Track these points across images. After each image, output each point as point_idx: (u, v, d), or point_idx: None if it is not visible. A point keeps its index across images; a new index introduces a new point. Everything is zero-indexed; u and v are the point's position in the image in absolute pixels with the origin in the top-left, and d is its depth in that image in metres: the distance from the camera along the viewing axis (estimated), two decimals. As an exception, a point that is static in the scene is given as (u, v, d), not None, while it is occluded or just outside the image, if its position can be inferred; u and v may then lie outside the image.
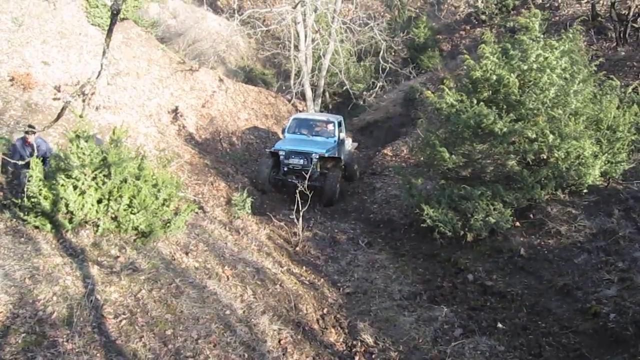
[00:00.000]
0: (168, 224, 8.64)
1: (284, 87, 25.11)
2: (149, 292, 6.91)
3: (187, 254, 8.63)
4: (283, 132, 17.40)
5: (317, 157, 15.61)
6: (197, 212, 9.76)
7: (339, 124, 17.48)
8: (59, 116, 7.27)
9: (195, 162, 15.12)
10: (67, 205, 7.75)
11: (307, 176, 13.66)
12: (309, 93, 22.14)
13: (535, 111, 10.07)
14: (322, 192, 15.34)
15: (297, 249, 11.22)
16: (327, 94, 25.80)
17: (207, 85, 19.80)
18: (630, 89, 11.25)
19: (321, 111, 23.46)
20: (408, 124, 20.50)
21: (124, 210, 8.10)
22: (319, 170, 15.76)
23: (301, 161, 15.53)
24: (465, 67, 11.28)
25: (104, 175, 8.06)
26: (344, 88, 24.01)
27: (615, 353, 6.60)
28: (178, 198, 9.09)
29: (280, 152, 15.70)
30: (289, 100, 23.07)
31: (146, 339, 6.07)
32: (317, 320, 8.64)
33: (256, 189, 15.26)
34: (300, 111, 22.81)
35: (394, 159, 18.05)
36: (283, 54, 25.43)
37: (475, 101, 10.36)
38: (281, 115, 21.69)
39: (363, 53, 27.22)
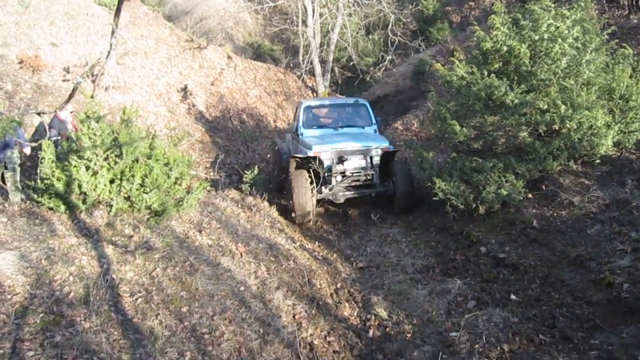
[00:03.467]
0: (180, 203, 8.68)
1: (291, 64, 24.98)
2: (163, 270, 6.97)
3: (200, 231, 8.67)
4: (294, 130, 13.25)
5: (380, 153, 11.93)
6: (209, 190, 9.80)
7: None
8: (70, 97, 7.30)
9: (206, 140, 15.17)
10: (80, 186, 7.81)
11: (368, 182, 11.75)
12: (317, 69, 22.02)
13: (546, 82, 9.98)
14: (395, 197, 11.86)
15: (310, 224, 11.28)
16: (335, 70, 25.65)
17: (215, 62, 19.75)
18: (643, 57, 11.13)
19: (330, 86, 23.30)
20: (418, 97, 20.39)
21: (137, 189, 8.14)
22: (377, 172, 12.09)
23: (362, 162, 11.75)
24: (475, 39, 11.17)
25: (116, 156, 8.09)
26: (353, 63, 23.85)
27: (629, 323, 6.60)
28: (190, 176, 9.12)
29: (324, 156, 11.72)
30: (299, 77, 22.96)
31: (162, 316, 6.12)
32: (331, 294, 8.68)
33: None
34: (310, 87, 22.65)
35: (404, 132, 18.01)
36: (291, 30, 25.29)
37: (485, 73, 10.28)
38: (291, 91, 21.62)
39: (371, 26, 27.01)
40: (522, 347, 6.46)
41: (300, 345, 6.00)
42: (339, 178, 11.77)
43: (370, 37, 27.06)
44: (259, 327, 6.72)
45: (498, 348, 6.42)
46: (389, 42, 23.75)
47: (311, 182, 11.56)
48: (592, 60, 10.00)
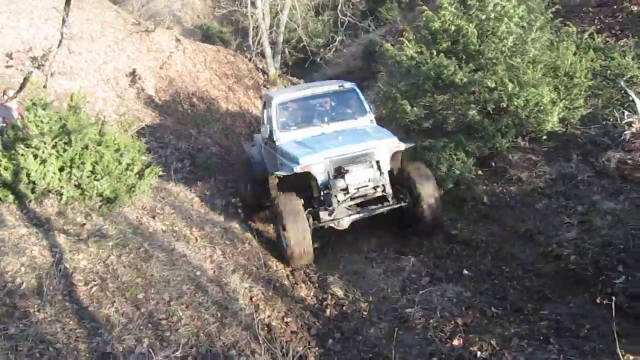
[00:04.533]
0: (133, 189, 8.58)
1: (241, 46, 24.74)
2: (118, 258, 6.90)
3: (154, 217, 8.61)
4: (268, 136, 10.26)
5: (389, 154, 9.18)
6: (161, 175, 9.71)
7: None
8: (22, 87, 7.12)
9: (157, 124, 14.96)
10: (28, 175, 7.64)
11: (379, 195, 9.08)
12: (268, 50, 21.87)
13: (494, 60, 10.17)
14: (419, 211, 8.95)
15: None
16: (286, 51, 25.53)
17: (164, 46, 19.44)
18: (586, 35, 11.36)
19: (281, 68, 23.18)
20: (369, 77, 20.46)
21: (87, 177, 8.00)
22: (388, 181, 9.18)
23: (368, 171, 8.91)
24: (424, 19, 11.28)
25: (65, 143, 7.94)
26: (303, 44, 23.77)
27: (576, 293, 6.85)
28: (142, 162, 9.02)
29: (316, 169, 8.91)
30: (249, 59, 22.78)
31: (118, 304, 6.08)
32: (287, 276, 8.76)
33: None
34: (261, 69, 22.47)
35: (356, 113, 18.03)
36: (240, 11, 24.97)
37: (435, 52, 10.42)
38: (241, 73, 21.42)
39: (321, 7, 26.92)
40: (475, 320, 6.64)
41: (258, 327, 6.03)
42: (341, 197, 8.87)
43: (320, 18, 26.96)
44: (217, 310, 6.74)
45: (452, 322, 6.59)
46: (339, 23, 23.72)
47: (303, 205, 8.91)
48: (537, 39, 10.22)
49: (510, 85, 9.66)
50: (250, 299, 7.51)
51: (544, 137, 10.16)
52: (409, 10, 24.92)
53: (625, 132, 9.04)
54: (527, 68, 9.93)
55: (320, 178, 8.90)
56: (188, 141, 14.58)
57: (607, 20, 14.09)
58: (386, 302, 7.66)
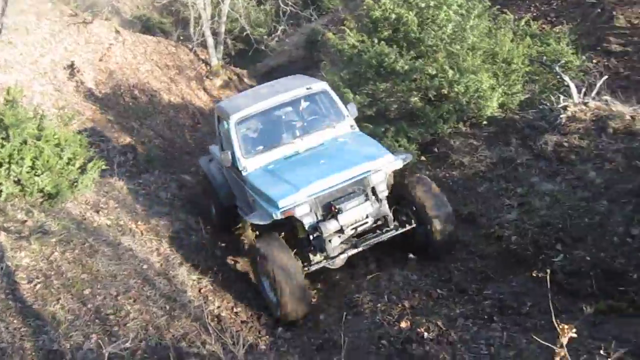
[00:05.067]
0: (75, 184, 8.43)
1: (182, 37, 24.40)
2: (62, 254, 6.80)
3: (97, 212, 8.48)
4: (232, 165, 8.31)
5: (385, 177, 7.50)
6: (104, 170, 9.55)
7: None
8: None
9: (98, 118, 14.67)
10: (-36, 173, 7.44)
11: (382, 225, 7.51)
12: (210, 41, 21.61)
13: (434, 48, 10.33)
14: (428, 235, 7.51)
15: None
16: (228, 41, 25.31)
17: (103, 37, 19.01)
18: (522, 22, 11.66)
19: (224, 58, 22.96)
20: (312, 67, 20.48)
21: (27, 172, 7.83)
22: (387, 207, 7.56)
23: (366, 207, 7.28)
24: (365, 7, 11.37)
25: (2, 138, 7.75)
26: (245, 33, 23.60)
27: (518, 272, 7.07)
28: (83, 156, 8.86)
29: (300, 212, 7.14)
30: (191, 49, 22.49)
31: (64, 300, 6.00)
32: (235, 265, 8.78)
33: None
34: (203, 60, 22.21)
35: (300, 102, 18.04)
36: (181, 1, 24.63)
37: (376, 41, 10.51)
38: (183, 64, 21.13)
39: (263, -3, 26.82)
40: (421, 302, 6.79)
41: (208, 317, 6.03)
42: (335, 241, 7.26)
43: (262, 7, 26.82)
44: (165, 303, 6.72)
45: (399, 305, 6.72)
46: (281, 12, 23.65)
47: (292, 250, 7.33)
48: (476, 26, 10.42)
49: (450, 72, 9.83)
50: (199, 290, 7.52)
51: (484, 122, 10.38)
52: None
53: (561, 116, 9.31)
54: (466, 55, 10.13)
55: (307, 221, 7.18)
56: (130, 134, 14.37)
57: (542, 8, 14.46)
58: (336, 288, 7.77)
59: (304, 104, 8.85)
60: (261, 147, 8.29)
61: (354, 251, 7.42)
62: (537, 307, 6.13)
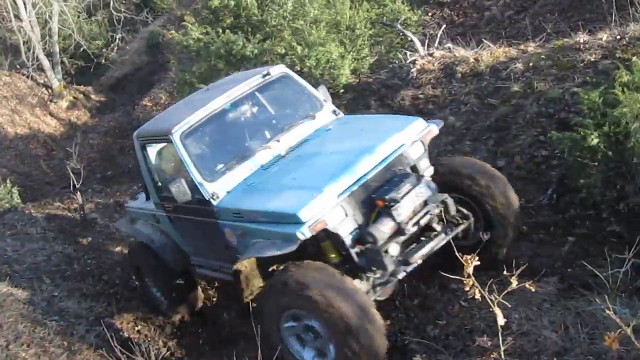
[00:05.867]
0: None
1: (16, 65, 23.02)
2: None
3: (-37, 264, 7.92)
4: (194, 200, 5.76)
5: (422, 147, 5.56)
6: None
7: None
8: None
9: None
10: None
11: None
12: (46, 63, 20.53)
13: (279, 27, 10.45)
14: (495, 227, 5.46)
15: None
16: (65, 60, 24.17)
17: None
18: (356, -13, 12.02)
19: (65, 78, 21.91)
20: (159, 70, 20.13)
21: None
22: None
23: (421, 190, 5.09)
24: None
25: None
26: (82, 49, 22.64)
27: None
28: None
29: (335, 221, 4.87)
30: (27, 76, 21.28)
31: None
32: (128, 283, 8.50)
33: None
34: (43, 84, 21.05)
35: (155, 108, 17.66)
36: (5, 27, 23.18)
37: (220, 30, 10.44)
38: (22, 93, 20.00)
39: (92, 7, 25.72)
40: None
41: (113, 340, 5.77)
42: (394, 249, 4.97)
43: (94, 18, 25.79)
44: (62, 340, 6.44)
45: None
46: (115, 20, 22.91)
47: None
48: (315, -1, 10.62)
49: (299, 48, 9.94)
50: (95, 318, 7.21)
51: (341, 90, 10.59)
52: (184, -5, 24.67)
53: (412, 71, 9.69)
54: (311, 29, 10.27)
55: (346, 231, 4.98)
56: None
57: (372, -28, 14.92)
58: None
59: (264, 97, 6.69)
60: (227, 163, 5.93)
61: (412, 267, 5.09)
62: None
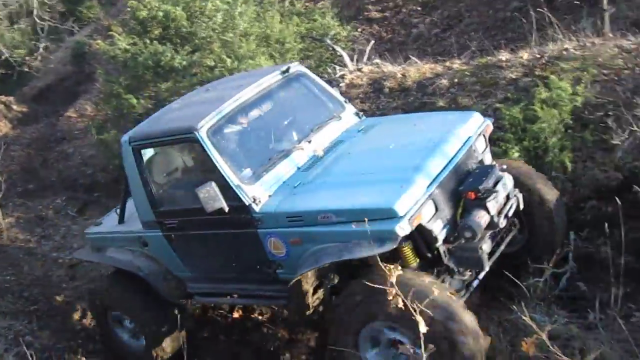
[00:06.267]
0: None
1: None
2: None
3: None
4: (230, 209, 4.94)
5: (484, 141, 5.42)
6: None
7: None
8: None
9: None
10: None
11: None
12: (-38, 75, 19.78)
13: (208, 39, 10.36)
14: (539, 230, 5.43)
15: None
16: (-15, 70, 23.33)
17: None
18: (287, 3, 12.08)
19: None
20: (84, 80, 19.65)
21: None
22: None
23: (507, 180, 4.94)
24: (130, 8, 11.09)
25: None
26: (4, 57, 21.91)
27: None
28: None
29: (427, 215, 4.46)
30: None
31: None
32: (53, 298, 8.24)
33: None
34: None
35: (80, 119, 17.19)
36: None
37: (148, 41, 10.30)
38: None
39: (15, 15, 24.94)
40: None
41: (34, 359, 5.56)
42: (487, 246, 4.69)
43: (17, 27, 25.00)
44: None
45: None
46: (39, 29, 22.28)
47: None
48: (244, 12, 10.58)
49: (228, 61, 9.91)
50: (15, 337, 6.93)
51: (271, 104, 10.62)
52: (111, 6, 24.18)
53: (341, 85, 9.78)
54: (240, 42, 10.26)
55: (438, 226, 4.58)
56: None
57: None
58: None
59: (286, 94, 6.25)
60: (264, 164, 5.31)
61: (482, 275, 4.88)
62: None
